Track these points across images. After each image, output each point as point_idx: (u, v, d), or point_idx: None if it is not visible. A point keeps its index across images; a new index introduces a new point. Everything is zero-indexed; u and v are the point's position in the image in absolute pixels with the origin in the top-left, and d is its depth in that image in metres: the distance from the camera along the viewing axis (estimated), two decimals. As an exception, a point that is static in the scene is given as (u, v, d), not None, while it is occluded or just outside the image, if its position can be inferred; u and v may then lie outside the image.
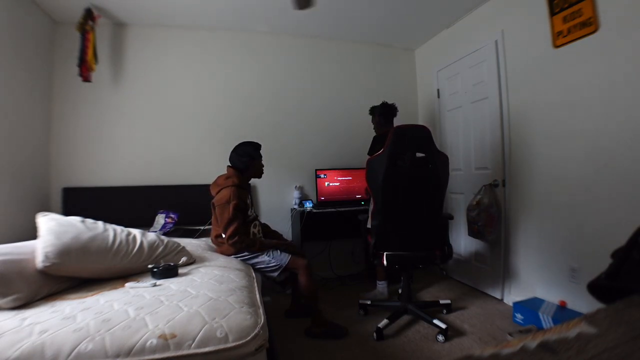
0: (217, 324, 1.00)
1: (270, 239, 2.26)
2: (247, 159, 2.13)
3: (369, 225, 2.29)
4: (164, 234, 2.29)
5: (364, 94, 3.40)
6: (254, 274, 1.79)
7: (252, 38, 3.22)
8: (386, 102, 2.68)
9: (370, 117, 2.75)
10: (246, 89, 3.19)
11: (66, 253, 1.32)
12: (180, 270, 1.55)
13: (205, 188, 2.27)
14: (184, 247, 1.78)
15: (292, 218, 3.14)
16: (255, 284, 1.57)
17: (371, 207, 2.31)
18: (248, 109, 3.18)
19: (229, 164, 2.18)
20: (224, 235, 2.02)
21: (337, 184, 3.21)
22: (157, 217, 2.60)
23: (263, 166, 2.25)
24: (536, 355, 0.33)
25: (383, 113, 2.64)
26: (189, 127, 3.04)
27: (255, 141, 2.21)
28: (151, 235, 1.67)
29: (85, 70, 2.57)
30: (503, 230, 2.56)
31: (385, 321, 2.06)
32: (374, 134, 2.74)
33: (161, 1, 2.62)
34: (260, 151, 2.21)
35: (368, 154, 2.54)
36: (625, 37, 1.75)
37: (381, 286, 2.68)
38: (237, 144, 2.20)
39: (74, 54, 2.58)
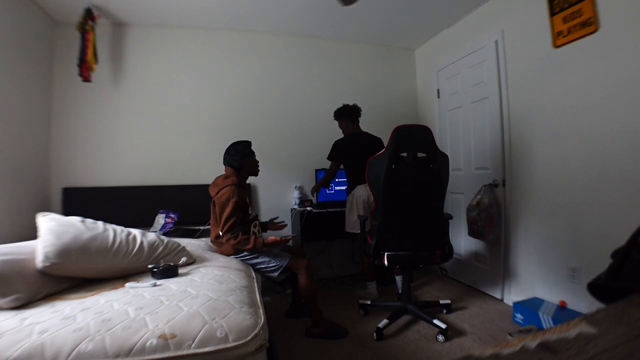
0: (217, 324, 1.00)
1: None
2: (239, 157, 2.12)
3: (367, 228, 2.28)
4: (164, 234, 2.30)
5: (364, 94, 3.39)
6: (254, 274, 1.79)
7: (252, 38, 3.22)
8: (348, 104, 2.73)
9: (337, 122, 2.77)
10: (246, 88, 3.19)
11: (66, 253, 1.32)
12: (180, 270, 1.55)
13: (205, 188, 2.27)
14: (184, 247, 1.78)
15: (292, 218, 3.14)
16: (255, 284, 1.57)
17: (371, 207, 2.31)
18: (248, 109, 3.18)
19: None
20: (221, 234, 2.00)
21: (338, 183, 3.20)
22: (157, 217, 2.60)
23: (258, 162, 2.24)
24: (536, 355, 0.33)
25: (350, 114, 2.69)
26: (189, 127, 3.04)
27: (245, 139, 2.19)
28: (151, 235, 1.67)
29: (85, 70, 2.57)
30: (503, 230, 2.56)
31: (385, 321, 2.06)
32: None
33: (161, 1, 2.62)
34: (252, 147, 2.19)
35: (327, 158, 2.66)
36: (625, 37, 1.75)
37: (371, 286, 2.69)
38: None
39: (74, 54, 2.58)
